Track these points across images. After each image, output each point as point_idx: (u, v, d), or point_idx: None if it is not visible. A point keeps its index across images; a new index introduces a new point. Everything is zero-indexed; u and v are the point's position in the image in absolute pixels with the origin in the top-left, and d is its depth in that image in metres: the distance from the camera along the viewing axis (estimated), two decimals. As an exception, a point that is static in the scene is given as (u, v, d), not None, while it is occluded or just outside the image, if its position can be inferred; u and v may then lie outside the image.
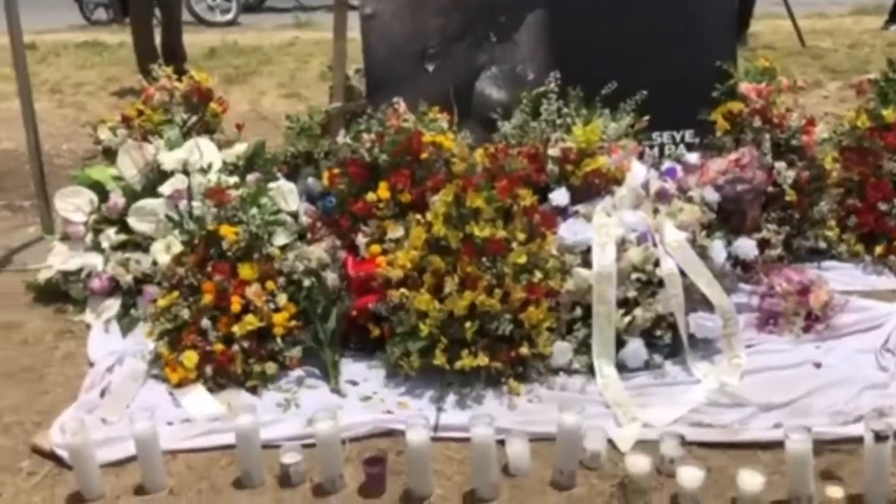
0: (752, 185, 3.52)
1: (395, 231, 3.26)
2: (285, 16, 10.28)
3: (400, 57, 3.89)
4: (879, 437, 2.40)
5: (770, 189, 3.64)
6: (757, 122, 3.72)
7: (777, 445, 2.58)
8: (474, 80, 3.92)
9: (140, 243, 3.59)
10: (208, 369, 3.01)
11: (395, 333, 3.05)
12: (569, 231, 3.24)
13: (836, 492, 2.42)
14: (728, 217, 3.50)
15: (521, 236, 3.08)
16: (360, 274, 3.19)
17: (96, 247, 3.64)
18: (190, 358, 3.01)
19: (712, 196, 3.45)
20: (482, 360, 2.91)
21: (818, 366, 3.06)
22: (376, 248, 3.26)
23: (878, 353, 3.10)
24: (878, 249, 3.69)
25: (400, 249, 3.15)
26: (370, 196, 3.35)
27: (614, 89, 3.70)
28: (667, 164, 3.68)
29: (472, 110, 3.87)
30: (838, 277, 3.59)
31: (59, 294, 3.64)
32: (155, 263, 3.49)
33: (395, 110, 3.56)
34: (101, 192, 3.74)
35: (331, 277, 3.18)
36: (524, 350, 2.97)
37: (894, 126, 3.80)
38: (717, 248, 3.28)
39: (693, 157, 3.69)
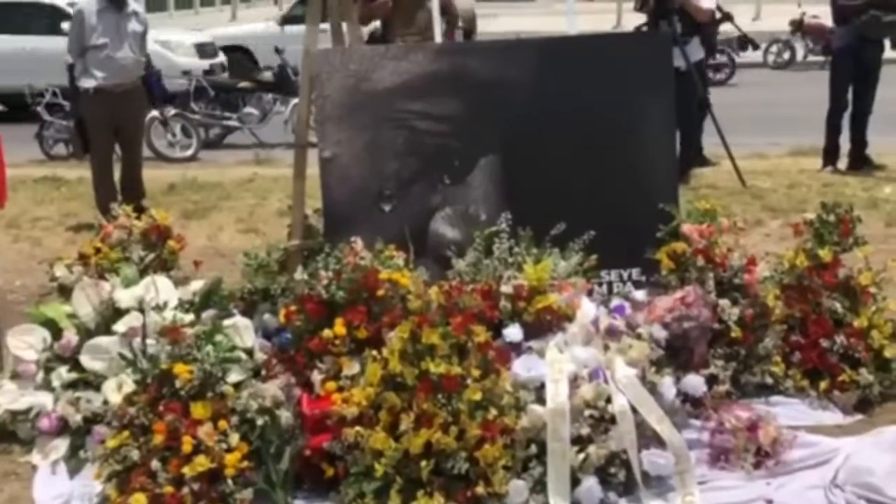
0: (699, 323, 3.62)
1: (351, 368, 3.28)
2: (245, 152, 10.47)
3: (357, 198, 4.02)
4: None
5: (716, 326, 3.74)
6: (700, 262, 3.85)
7: (733, 585, 2.58)
8: (429, 220, 4.04)
9: (92, 382, 3.55)
10: (157, 513, 2.95)
11: (349, 473, 3.02)
12: (523, 367, 3.30)
13: None
14: (676, 354, 3.58)
15: (476, 372, 3.12)
16: (314, 412, 3.18)
17: (47, 385, 3.59)
18: (138, 501, 2.95)
19: (660, 333, 3.54)
20: (438, 500, 2.90)
21: (770, 502, 3.10)
22: (332, 384, 3.26)
23: (828, 489, 3.14)
24: (823, 385, 3.76)
25: (356, 386, 3.17)
26: (326, 333, 3.38)
27: (563, 229, 3.84)
28: (615, 302, 3.79)
29: (427, 249, 3.98)
30: (785, 413, 3.64)
31: (6, 434, 3.56)
32: (106, 402, 3.44)
33: (352, 248, 3.64)
34: (55, 329, 3.72)
35: (284, 416, 3.17)
36: (480, 489, 2.96)
37: (831, 265, 3.95)
38: (667, 385, 3.35)
39: (640, 295, 3.81)
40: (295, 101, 11.21)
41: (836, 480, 3.17)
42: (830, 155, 8.41)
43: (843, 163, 8.37)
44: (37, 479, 3.34)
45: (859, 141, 8.34)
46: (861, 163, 8.29)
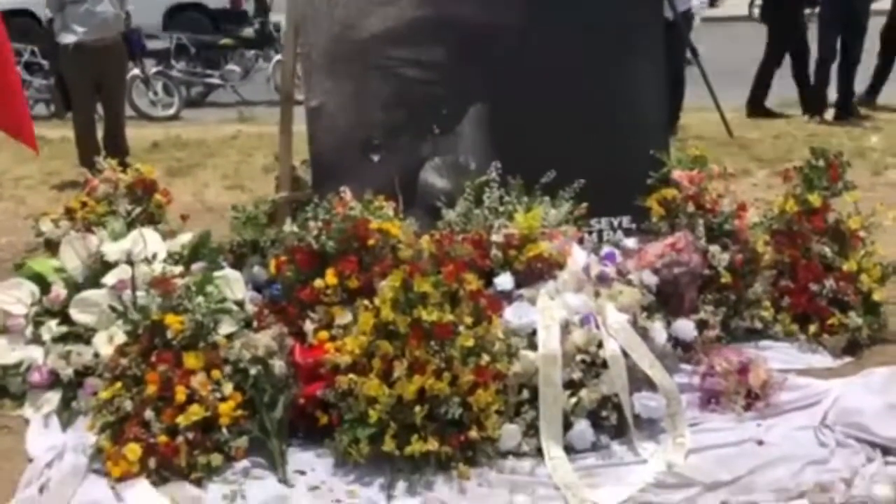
0: (689, 268, 3.63)
1: (343, 317, 3.28)
2: (228, 110, 10.36)
3: (345, 148, 3.97)
4: (822, 511, 2.46)
5: (706, 272, 3.75)
6: (690, 208, 3.86)
7: (724, 523, 2.62)
8: (418, 170, 4.01)
9: (82, 335, 3.53)
10: (152, 462, 2.94)
11: (343, 420, 3.03)
12: (514, 314, 3.30)
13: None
14: (666, 299, 3.59)
15: (468, 320, 3.12)
16: (307, 361, 3.18)
17: (37, 340, 3.57)
18: (133, 451, 2.94)
19: (651, 279, 3.55)
20: (432, 444, 2.92)
21: (760, 443, 3.13)
22: (324, 334, 3.26)
23: (818, 429, 3.18)
24: (812, 329, 3.80)
25: (348, 335, 3.16)
26: (318, 283, 3.37)
27: (553, 178, 3.83)
28: (606, 249, 3.79)
29: (416, 199, 3.95)
30: (775, 356, 3.67)
31: (-3, 388, 3.55)
32: (97, 355, 3.43)
33: (342, 199, 3.61)
34: (43, 284, 3.69)
35: (278, 365, 3.16)
36: (473, 434, 2.99)
37: (820, 210, 3.97)
38: (658, 330, 3.37)
39: (631, 242, 3.82)
40: (278, 57, 11.13)
41: (826, 421, 3.21)
42: (818, 105, 8.41)
43: (829, 114, 8.38)
44: (29, 432, 3.33)
45: (846, 91, 8.33)
46: (847, 113, 8.30)
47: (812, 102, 8.43)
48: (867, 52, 8.26)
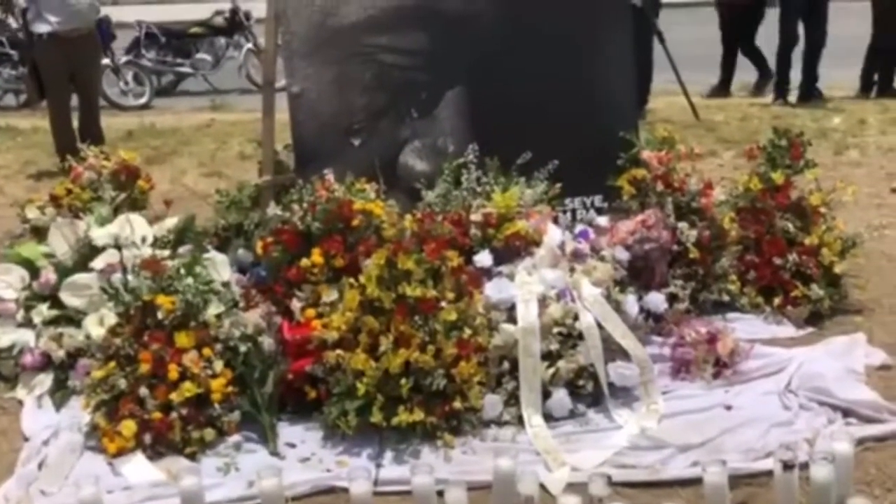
0: (659, 244, 3.78)
1: (330, 295, 3.38)
2: (200, 99, 10.39)
3: (327, 132, 4.06)
4: (787, 467, 2.61)
5: (675, 248, 3.90)
6: (659, 187, 4.01)
7: (695, 482, 2.76)
8: (398, 153, 4.11)
9: (72, 318, 3.61)
10: (147, 437, 3.05)
11: (331, 394, 3.14)
12: (494, 290, 3.43)
13: (751, 520, 2.61)
14: (638, 274, 3.74)
15: (451, 295, 3.25)
16: (296, 337, 3.29)
17: (28, 323, 3.64)
18: (128, 427, 3.04)
19: (623, 255, 3.69)
20: (418, 415, 3.04)
21: (728, 408, 3.28)
22: (311, 311, 3.35)
23: (782, 394, 3.34)
24: (777, 301, 3.96)
25: (334, 312, 3.27)
26: (304, 262, 3.48)
27: (528, 159, 3.96)
28: (580, 227, 3.92)
29: (397, 181, 4.05)
30: (742, 328, 3.82)
31: (-11, 372, 3.62)
32: (87, 337, 3.51)
33: (324, 182, 3.72)
34: (31, 269, 3.77)
35: (267, 342, 3.26)
36: (457, 404, 3.12)
37: (783, 187, 4.13)
38: (630, 303, 3.51)
39: (603, 220, 3.96)
40: (248, 45, 11.15)
41: (790, 386, 3.37)
42: (781, 88, 8.63)
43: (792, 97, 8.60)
44: (24, 412, 3.41)
45: (810, 75, 8.55)
46: (810, 96, 8.52)
47: (776, 86, 8.64)
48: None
